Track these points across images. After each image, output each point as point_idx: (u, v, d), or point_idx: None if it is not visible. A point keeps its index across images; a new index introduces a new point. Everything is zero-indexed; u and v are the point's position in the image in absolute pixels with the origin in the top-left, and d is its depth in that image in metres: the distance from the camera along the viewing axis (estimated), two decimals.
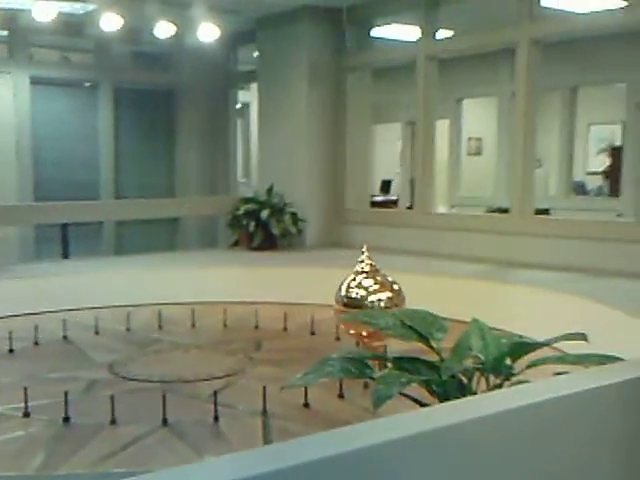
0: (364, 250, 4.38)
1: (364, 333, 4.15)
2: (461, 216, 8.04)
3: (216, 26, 7.73)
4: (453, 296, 5.72)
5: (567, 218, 7.28)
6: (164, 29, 7.79)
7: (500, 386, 1.87)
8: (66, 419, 3.62)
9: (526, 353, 1.89)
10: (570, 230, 6.34)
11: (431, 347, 1.94)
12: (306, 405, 3.79)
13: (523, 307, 5.38)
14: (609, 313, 4.49)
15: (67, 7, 7.81)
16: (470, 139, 12.37)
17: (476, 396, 1.74)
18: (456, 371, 1.83)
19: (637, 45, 6.20)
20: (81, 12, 8.14)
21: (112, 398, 3.63)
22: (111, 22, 7.37)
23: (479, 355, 1.88)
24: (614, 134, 12.40)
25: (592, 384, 1.60)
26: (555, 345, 4.48)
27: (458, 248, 7.01)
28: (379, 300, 4.19)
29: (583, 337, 2.03)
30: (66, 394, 3.64)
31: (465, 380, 1.86)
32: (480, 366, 1.88)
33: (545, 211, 8.43)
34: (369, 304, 4.15)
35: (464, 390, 1.85)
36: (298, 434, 3.52)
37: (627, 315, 4.27)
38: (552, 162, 11.25)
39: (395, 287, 4.30)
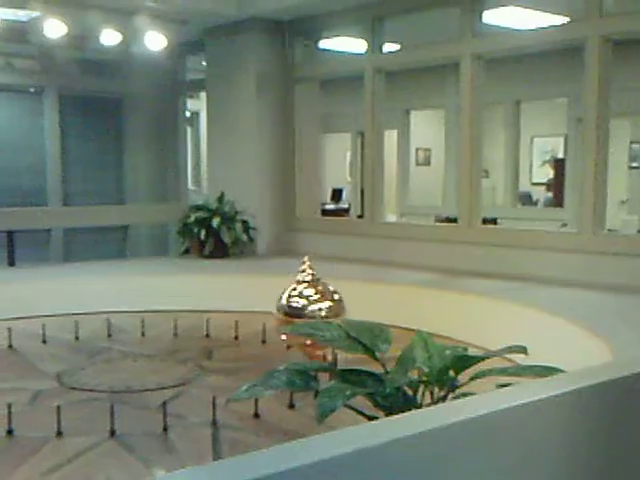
0: (305, 260, 4.41)
1: (307, 342, 4.20)
2: (410, 225, 8.16)
3: (163, 35, 7.71)
4: (400, 304, 5.81)
5: (513, 227, 7.44)
6: (110, 37, 7.72)
7: (444, 398, 1.92)
8: (9, 432, 3.55)
9: (469, 366, 1.94)
10: (516, 239, 6.49)
11: (376, 359, 1.97)
12: (256, 415, 3.80)
13: (469, 315, 5.48)
14: (551, 321, 4.62)
15: (10, 14, 7.68)
16: (418, 149, 12.56)
17: (419, 410, 1.77)
18: (401, 383, 1.87)
19: (578, 60, 6.40)
20: (24, 19, 8.01)
21: (59, 409, 3.58)
22: (55, 29, 7.30)
23: (423, 367, 1.93)
24: (556, 146, 12.72)
25: (533, 396, 1.65)
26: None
27: (407, 257, 7.11)
28: (319, 309, 4.23)
29: (523, 350, 2.09)
30: (9, 406, 3.58)
31: (410, 392, 1.91)
32: (424, 378, 1.92)
33: (493, 221, 8.61)
34: (309, 313, 4.20)
35: (409, 402, 1.89)
36: (249, 445, 3.54)
37: (568, 322, 4.39)
38: (498, 173, 11.49)
39: (336, 297, 4.33)
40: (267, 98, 8.17)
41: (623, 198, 11.17)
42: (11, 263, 7.62)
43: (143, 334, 5.70)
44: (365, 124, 7.69)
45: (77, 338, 5.54)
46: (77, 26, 7.45)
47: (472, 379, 1.94)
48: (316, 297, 4.23)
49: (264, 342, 5.46)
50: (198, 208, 8.08)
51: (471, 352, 2.14)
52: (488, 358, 2.00)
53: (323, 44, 8.42)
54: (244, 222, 7.92)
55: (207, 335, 5.65)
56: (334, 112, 11.21)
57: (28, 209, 8.06)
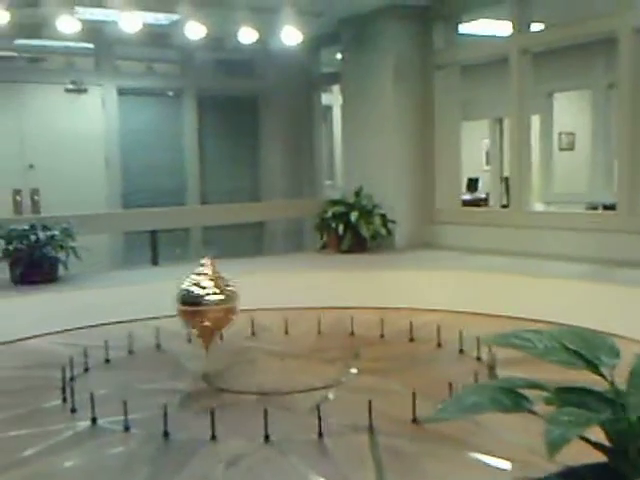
0: (207, 257, 4.64)
1: (207, 323, 4.47)
2: (562, 214, 7.63)
3: (298, 29, 7.59)
4: (561, 298, 5.39)
5: None
6: (247, 35, 7.69)
7: None
8: (165, 434, 3.49)
9: None
10: None
11: (602, 376, 1.65)
12: (414, 420, 3.55)
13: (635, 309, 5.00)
14: None
15: (151, 18, 7.82)
16: (561, 134, 11.87)
17: None
18: None
19: None
20: (165, 22, 8.14)
21: (212, 412, 3.48)
22: (195, 31, 7.33)
23: None
24: None
25: None
26: None
27: (558, 247, 6.65)
28: (213, 300, 4.47)
29: None
30: (165, 407, 3.52)
31: None
32: None
33: None
34: (205, 302, 4.45)
35: None
36: (408, 452, 3.30)
37: None
38: None
39: (229, 293, 4.54)
40: (405, 87, 7.90)
41: None
42: (155, 262, 7.76)
43: (286, 332, 5.58)
44: (510, 109, 7.27)
45: (221, 337, 5.47)
46: (215, 27, 7.47)
47: None
48: (212, 290, 4.49)
49: (412, 340, 5.20)
50: (335, 202, 7.93)
51: None
52: None
53: (464, 28, 8.04)
54: (382, 215, 7.70)
55: (352, 333, 5.45)
56: (471, 99, 10.76)
57: (170, 209, 8.20)
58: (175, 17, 7.71)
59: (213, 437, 3.44)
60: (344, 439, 3.46)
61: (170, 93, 9.74)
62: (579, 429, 1.44)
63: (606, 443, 1.64)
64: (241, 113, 10.05)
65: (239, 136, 10.10)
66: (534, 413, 1.63)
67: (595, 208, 8.52)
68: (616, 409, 1.55)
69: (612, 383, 1.64)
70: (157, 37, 8.39)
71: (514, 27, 7.12)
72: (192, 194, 9.51)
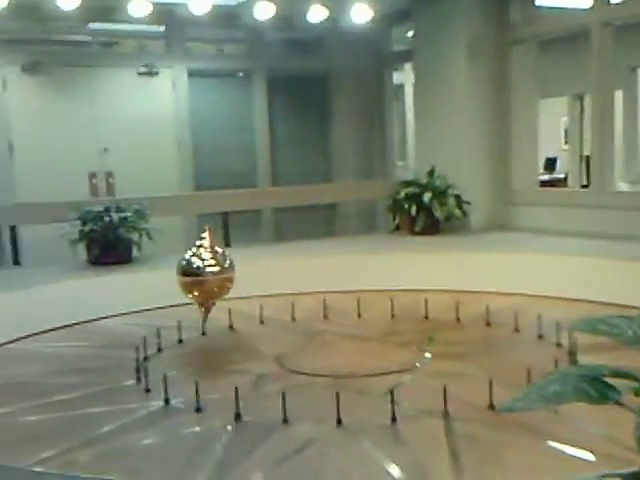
0: (206, 228, 4.95)
1: (195, 293, 4.88)
2: None
3: (369, 6, 7.44)
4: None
5: None
6: (317, 13, 7.59)
7: None
8: (237, 416, 3.46)
9: None
10: None
11: None
12: (491, 406, 3.42)
13: None
14: None
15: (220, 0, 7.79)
16: None
17: None
18: None
19: None
20: (234, 3, 8.11)
21: (283, 395, 3.42)
22: (264, 11, 7.27)
23: None
24: None
25: None
26: None
27: None
28: (212, 272, 4.82)
29: None
30: (236, 389, 3.49)
31: None
32: None
33: None
34: (203, 273, 4.81)
35: None
36: (485, 440, 3.18)
37: None
38: None
39: (226, 264, 4.89)
40: (480, 64, 7.64)
41: None
42: (227, 244, 7.78)
43: (359, 315, 5.49)
44: (592, 86, 6.95)
45: (294, 319, 5.45)
46: (284, 6, 7.39)
47: None
48: (210, 262, 4.83)
49: (488, 325, 5.04)
50: (408, 183, 7.77)
51: None
52: None
53: (541, 1, 7.71)
54: (456, 196, 7.50)
55: (426, 317, 5.32)
56: (548, 75, 10.38)
57: (241, 191, 8.19)
58: None
59: (285, 420, 3.39)
60: (418, 424, 3.36)
61: (240, 74, 9.73)
62: None
63: None
64: (311, 93, 9.95)
65: (309, 117, 10.02)
66: (622, 405, 1.49)
67: None
68: None
69: None
70: (226, 18, 8.36)
71: None
72: (263, 176, 9.49)
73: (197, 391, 3.58)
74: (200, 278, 4.81)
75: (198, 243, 4.87)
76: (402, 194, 7.56)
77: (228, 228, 7.74)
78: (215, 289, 4.83)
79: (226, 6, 8.10)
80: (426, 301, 5.35)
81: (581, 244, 6.42)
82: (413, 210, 7.40)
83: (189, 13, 7.42)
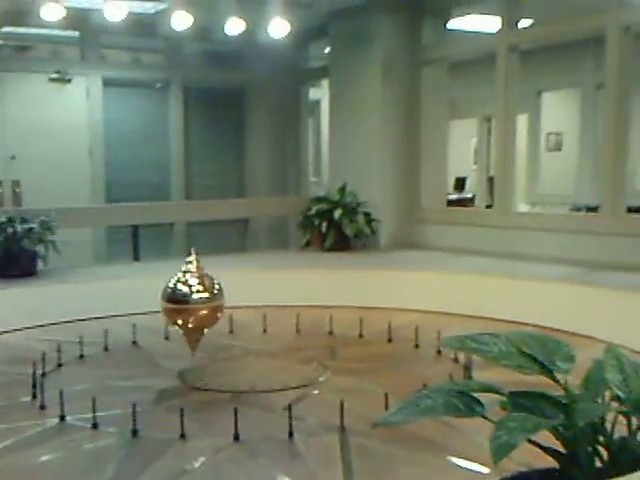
0: (192, 252, 4.55)
1: (190, 325, 4.40)
2: (545, 215, 7.61)
3: (287, 21, 7.52)
4: (540, 300, 5.38)
5: None
6: (235, 26, 7.62)
7: None
8: (134, 432, 3.44)
9: None
10: None
11: (557, 381, 1.62)
12: None
13: (615, 312, 4.98)
14: None
15: (138, 7, 7.73)
16: (549, 134, 11.85)
17: None
18: (597, 415, 1.52)
19: None
20: (152, 11, 8.06)
21: (182, 411, 3.43)
22: (182, 21, 7.26)
23: (618, 392, 1.56)
24: None
25: None
26: None
27: (541, 249, 6.62)
28: (200, 298, 4.40)
29: None
30: (134, 406, 3.47)
31: (597, 420, 1.56)
32: (621, 407, 1.56)
33: (639, 209, 7.91)
34: (191, 300, 4.37)
35: (597, 433, 1.55)
36: (380, 454, 3.26)
37: None
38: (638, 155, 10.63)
39: (216, 290, 4.48)
40: (393, 83, 7.84)
41: None
42: (136, 258, 7.70)
43: (265, 330, 5.53)
44: (496, 108, 7.22)
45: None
46: (203, 17, 7.40)
47: None
48: (198, 287, 4.42)
49: (390, 340, 5.16)
50: (319, 200, 7.88)
51: None
52: None
53: (453, 24, 7.98)
54: (366, 214, 7.65)
55: (330, 332, 5.41)
56: (459, 97, 10.74)
57: (152, 204, 8.12)
58: (162, 6, 7.63)
59: (182, 435, 3.39)
60: (314, 439, 3.42)
61: (157, 85, 9.65)
62: (525, 435, 1.40)
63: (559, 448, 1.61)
64: (228, 107, 9.97)
65: (225, 130, 10.03)
66: (486, 418, 1.60)
67: (579, 210, 8.51)
68: (569, 414, 1.52)
69: (566, 388, 1.61)
70: (144, 26, 8.31)
71: (503, 23, 7.07)
72: (176, 189, 9.44)
73: (94, 407, 3.54)
74: (186, 306, 4.38)
75: (184, 268, 4.45)
76: (313, 210, 7.65)
77: (138, 241, 7.67)
78: (202, 318, 4.39)
79: (143, 14, 8.04)
80: (331, 317, 5.44)
81: (483, 263, 6.64)
82: (323, 227, 7.51)
83: (105, 19, 7.33)
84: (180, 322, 4.41)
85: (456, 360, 4.54)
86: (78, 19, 7.96)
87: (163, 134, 9.46)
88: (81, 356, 4.84)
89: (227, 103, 9.93)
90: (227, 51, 9.73)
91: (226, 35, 7.77)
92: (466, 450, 3.21)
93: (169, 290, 4.41)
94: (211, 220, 8.47)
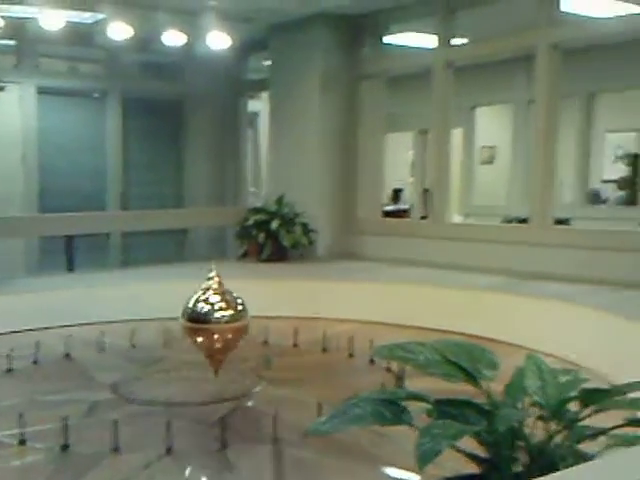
0: (213, 268, 4.38)
1: (217, 346, 4.20)
2: (478, 226, 7.81)
3: (227, 34, 7.55)
4: (471, 310, 5.51)
5: (590, 228, 7.01)
6: (174, 38, 7.61)
7: (566, 433, 1.63)
8: (65, 447, 3.39)
9: (601, 401, 1.63)
10: (594, 241, 6.09)
11: (480, 388, 1.68)
12: None
13: (543, 321, 5.14)
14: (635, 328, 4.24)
15: (75, 16, 7.64)
16: (483, 147, 12.13)
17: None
18: (516, 420, 1.59)
19: None
20: (90, 22, 7.96)
21: (115, 424, 3.40)
22: (120, 31, 7.21)
23: (537, 398, 1.63)
24: (630, 142, 12.11)
25: None
26: (592, 368, 4.24)
27: (475, 259, 6.78)
28: (223, 316, 4.20)
29: None
30: (65, 420, 3.42)
31: (517, 425, 1.62)
32: (540, 413, 1.63)
33: (565, 221, 8.18)
34: (214, 319, 4.17)
35: (517, 438, 1.61)
36: (312, 464, 3.30)
37: None
38: (566, 170, 10.97)
39: (239, 307, 4.28)
40: (331, 97, 7.94)
41: None
42: (70, 269, 7.57)
43: None
44: (432, 122, 7.39)
45: (134, 346, 5.40)
46: (142, 28, 7.36)
47: (596, 412, 1.63)
48: (221, 305, 4.21)
49: (325, 350, 5.21)
50: (257, 210, 7.90)
51: (597, 384, 1.80)
52: (627, 392, 1.69)
53: (390, 39, 8.12)
54: (304, 224, 7.70)
55: (266, 342, 5.43)
56: (396, 110, 10.90)
57: (87, 214, 8.00)
58: (100, 16, 7.55)
59: (115, 449, 3.36)
60: (247, 450, 3.43)
61: (95, 94, 9.53)
62: (449, 441, 1.46)
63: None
64: (167, 117, 9.92)
65: (164, 141, 9.96)
66: (412, 426, 1.65)
67: (510, 221, 8.73)
68: (491, 421, 1.58)
69: (489, 395, 1.67)
70: (82, 36, 8.21)
71: (439, 40, 7.24)
72: (113, 198, 9.31)
73: (22, 422, 3.48)
74: (207, 326, 4.15)
75: (205, 285, 4.26)
76: (251, 221, 7.67)
77: (72, 252, 7.55)
78: (224, 339, 4.18)
79: (81, 24, 7.94)
80: (267, 327, 5.46)
81: (418, 273, 6.76)
82: (261, 237, 7.53)
83: (41, 29, 7.21)
84: (199, 341, 4.20)
85: (389, 369, 4.61)
86: (15, 28, 7.83)
87: (100, 143, 9.34)
88: (9, 370, 4.74)
89: (166, 114, 9.87)
90: (167, 62, 9.68)
91: (165, 47, 7.75)
92: (397, 459, 3.27)
93: (189, 309, 4.19)
94: (149, 230, 8.39)
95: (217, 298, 4.18)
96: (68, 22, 7.31)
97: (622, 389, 1.71)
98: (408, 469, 3.16)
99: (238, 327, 4.19)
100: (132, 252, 9.25)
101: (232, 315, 4.17)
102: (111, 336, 5.45)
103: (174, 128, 9.93)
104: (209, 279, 4.28)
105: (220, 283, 4.26)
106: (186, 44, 7.73)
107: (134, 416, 3.92)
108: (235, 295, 4.29)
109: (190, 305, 4.21)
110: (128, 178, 9.49)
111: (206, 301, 4.18)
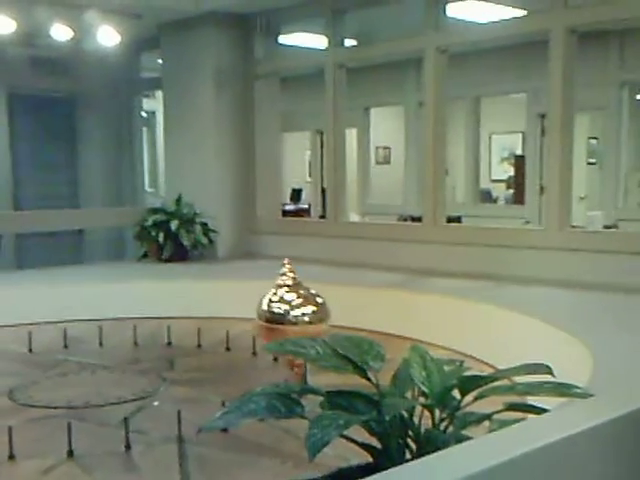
0: (286, 262, 4.18)
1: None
2: (374, 225, 8.02)
3: (116, 31, 7.45)
4: (370, 306, 5.67)
5: (479, 226, 7.34)
6: (60, 32, 7.43)
7: (451, 420, 1.76)
8: None
9: (479, 387, 1.77)
10: (483, 238, 6.39)
11: (368, 379, 1.79)
12: (224, 430, 3.60)
13: (434, 316, 5.36)
14: (524, 321, 4.51)
15: None
16: (378, 148, 12.46)
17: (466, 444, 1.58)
18: (402, 409, 1.70)
19: (538, 55, 6.37)
20: None
21: (10, 429, 3.33)
22: (3, 25, 6.99)
23: (422, 387, 1.76)
24: (514, 144, 12.75)
25: (568, 430, 1.51)
26: (484, 359, 4.48)
27: (372, 257, 6.97)
28: (303, 314, 4.00)
29: (548, 370, 1.85)
30: None
31: (406, 414, 1.74)
32: (425, 401, 1.75)
33: (457, 219, 8.53)
34: (292, 319, 3.99)
35: (406, 427, 1.72)
36: (218, 462, 3.35)
37: (544, 323, 4.29)
38: (458, 170, 11.44)
39: (319, 300, 4.11)
40: (226, 96, 7.95)
41: (581, 194, 11.22)
42: None
43: (101, 344, 5.44)
44: (326, 122, 7.53)
45: (30, 350, 5.27)
46: (26, 22, 7.14)
47: (477, 398, 1.78)
48: (298, 302, 4.01)
49: (228, 349, 5.26)
50: (156, 211, 7.83)
51: (478, 371, 1.96)
52: (500, 379, 1.84)
53: (284, 39, 8.22)
54: (203, 224, 7.69)
55: (169, 343, 5.42)
56: (292, 110, 11.04)
57: None
58: None
59: (11, 456, 3.30)
60: (152, 451, 3.45)
61: None
62: (338, 431, 1.55)
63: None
64: (58, 115, 9.65)
65: (56, 139, 9.69)
66: (305, 418, 1.73)
67: (405, 220, 9.02)
68: (378, 409, 1.69)
69: (377, 386, 1.78)
70: None
71: (329, 41, 7.39)
72: (3, 198, 8.99)
73: None
74: (283, 327, 3.87)
75: (278, 281, 3.99)
76: (150, 221, 7.59)
77: None
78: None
79: None
80: (169, 328, 5.45)
81: (317, 271, 6.85)
82: (161, 237, 7.47)
83: None
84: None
85: (292, 366, 4.69)
86: None
87: None
88: None
89: (58, 111, 9.61)
90: (55, 58, 9.40)
91: (53, 41, 7.55)
92: (301, 453, 3.35)
93: (263, 309, 3.92)
94: (43, 232, 8.15)
95: (292, 295, 3.95)
96: None
97: (496, 376, 1.87)
98: (314, 464, 3.25)
99: (318, 328, 3.90)
100: (27, 254, 8.96)
101: (313, 312, 3.94)
102: (6, 340, 5.31)
103: (66, 126, 9.68)
104: (282, 275, 4.02)
105: (294, 279, 4.02)
106: (74, 39, 7.56)
107: (32, 421, 3.85)
108: (315, 294, 4.04)
109: (264, 305, 3.95)
110: (19, 177, 9.18)
111: (281, 300, 3.95)
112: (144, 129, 10.55)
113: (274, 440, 3.46)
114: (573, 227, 6.55)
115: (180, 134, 8.27)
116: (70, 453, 3.31)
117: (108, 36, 7.46)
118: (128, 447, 3.39)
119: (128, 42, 8.02)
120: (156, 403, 4.15)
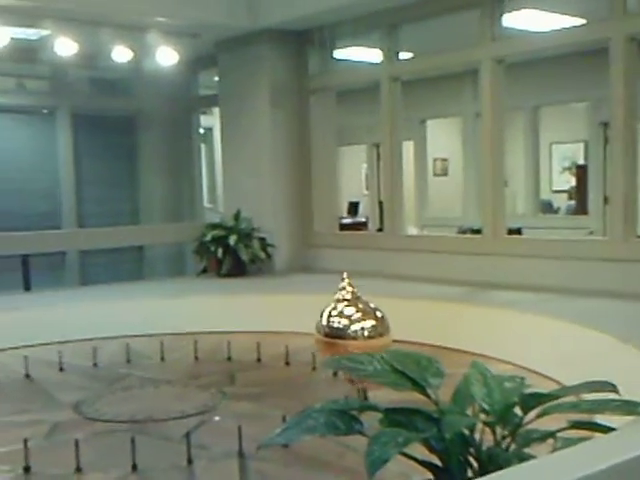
0: (345, 277, 4.17)
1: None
2: (433, 237, 7.94)
3: (175, 50, 7.60)
4: (429, 320, 5.61)
5: (541, 237, 7.20)
6: (121, 54, 7.62)
7: (513, 437, 1.71)
8: (27, 469, 3.38)
9: (541, 404, 1.73)
10: (545, 249, 6.27)
11: (428, 396, 1.76)
12: (285, 445, 3.59)
13: (495, 329, 5.27)
14: (598, 338, 4.37)
15: (20, 33, 7.58)
16: (436, 160, 12.37)
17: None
18: (462, 426, 1.67)
19: (598, 63, 6.24)
20: (35, 38, 7.91)
21: (77, 443, 3.40)
22: (66, 47, 7.21)
23: (483, 404, 1.72)
24: (576, 153, 12.49)
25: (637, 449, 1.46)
26: (548, 375, 4.37)
27: (431, 270, 6.90)
28: (362, 329, 3.98)
29: (613, 388, 1.79)
30: (26, 441, 3.41)
31: (467, 432, 1.70)
32: (486, 419, 1.72)
33: (517, 230, 8.38)
34: (352, 333, 3.97)
35: (467, 444, 1.69)
36: (278, 477, 3.35)
37: (616, 340, 4.15)
38: (518, 181, 11.27)
39: (379, 314, 4.09)
40: (281, 111, 8.02)
41: None
42: (27, 288, 7.48)
43: (163, 358, 5.51)
44: (382, 135, 7.52)
45: (95, 365, 5.38)
46: (88, 44, 7.35)
47: (540, 416, 1.73)
48: (358, 316, 3.97)
49: (288, 364, 5.26)
50: (214, 226, 7.92)
51: (541, 389, 1.91)
52: (562, 396, 1.79)
53: (338, 54, 8.25)
54: (261, 239, 7.75)
55: (229, 358, 5.46)
56: (349, 124, 11.05)
57: (42, 232, 7.91)
58: (45, 32, 7.51)
59: (78, 469, 3.36)
60: (214, 466, 3.46)
61: (44, 111, 9.45)
62: (397, 449, 1.53)
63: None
64: (119, 133, 9.87)
65: (117, 157, 9.91)
66: (365, 435, 1.71)
67: (464, 232, 8.90)
68: (438, 426, 1.66)
69: (437, 403, 1.75)
70: (27, 52, 8.14)
71: (384, 55, 7.39)
72: (68, 217, 9.22)
73: None
74: (343, 342, 3.85)
75: (337, 296, 4.01)
76: (209, 237, 7.69)
77: (29, 271, 7.46)
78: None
79: (26, 40, 7.89)
80: (229, 343, 5.49)
81: (374, 285, 6.82)
82: (219, 253, 7.55)
83: None
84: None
85: (352, 381, 4.67)
86: None
87: (52, 161, 9.25)
88: None
89: (119, 130, 9.84)
90: (116, 78, 9.65)
91: (114, 62, 7.75)
92: (361, 469, 3.32)
93: (323, 323, 3.95)
94: (106, 248, 8.34)
95: (352, 310, 3.95)
96: (12, 39, 7.27)
97: (558, 394, 1.81)
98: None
99: (379, 344, 3.83)
100: (89, 270, 9.18)
101: (373, 326, 3.93)
102: (71, 355, 5.42)
103: (127, 144, 9.90)
104: (341, 289, 4.04)
105: (353, 293, 4.02)
106: (134, 60, 7.75)
107: (97, 435, 3.91)
108: (375, 308, 4.04)
109: (324, 320, 3.95)
110: (82, 196, 9.41)
111: (341, 314, 3.96)
112: (202, 145, 10.70)
113: (335, 455, 3.44)
114: (639, 237, 6.37)
115: (237, 150, 8.37)
116: (134, 467, 3.35)
117: (167, 56, 7.62)
118: (190, 462, 3.42)
119: (186, 61, 8.17)
120: (217, 418, 4.18)
